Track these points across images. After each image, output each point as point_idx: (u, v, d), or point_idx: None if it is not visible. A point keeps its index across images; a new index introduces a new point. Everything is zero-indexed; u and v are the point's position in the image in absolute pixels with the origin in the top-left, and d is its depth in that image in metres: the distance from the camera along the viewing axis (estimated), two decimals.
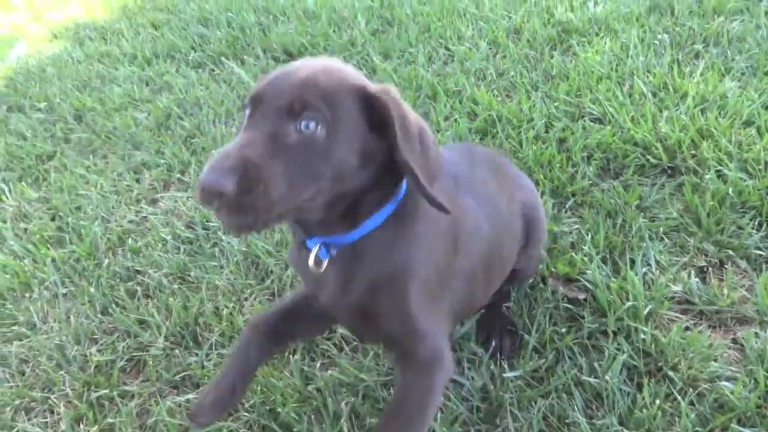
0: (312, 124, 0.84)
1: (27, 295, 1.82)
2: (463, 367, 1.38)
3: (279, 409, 1.31)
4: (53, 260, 1.90)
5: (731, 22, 2.51)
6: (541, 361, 1.35)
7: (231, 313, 1.57)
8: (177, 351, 1.53)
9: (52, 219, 2.13)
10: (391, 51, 2.74)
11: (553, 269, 1.57)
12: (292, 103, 0.84)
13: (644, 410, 1.20)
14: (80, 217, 2.07)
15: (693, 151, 1.85)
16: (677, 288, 1.48)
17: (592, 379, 1.28)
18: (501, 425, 1.26)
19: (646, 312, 1.40)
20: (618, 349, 1.35)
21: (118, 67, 3.10)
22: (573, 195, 1.81)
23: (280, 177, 0.81)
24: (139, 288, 1.75)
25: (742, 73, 2.19)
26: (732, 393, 1.22)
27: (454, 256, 1.09)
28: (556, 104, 2.16)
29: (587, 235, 1.64)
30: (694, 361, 1.30)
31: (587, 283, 1.51)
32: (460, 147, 1.51)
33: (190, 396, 1.41)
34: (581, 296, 1.50)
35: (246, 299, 1.65)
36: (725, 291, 1.46)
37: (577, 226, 1.70)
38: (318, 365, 1.43)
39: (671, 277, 1.50)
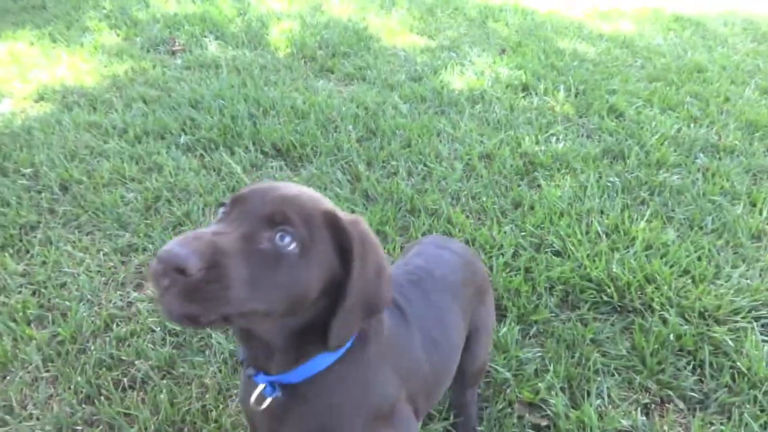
0: (287, 239, 0.85)
1: (4, 375, 1.83)
2: None
3: None
4: (34, 340, 1.93)
5: (672, 175, 2.89)
6: None
7: (220, 415, 1.66)
8: None
9: (33, 294, 2.16)
10: (374, 160, 2.98)
11: (518, 395, 1.75)
12: (273, 214, 0.86)
13: None
14: (64, 296, 2.11)
15: (640, 294, 2.11)
16: (626, 422, 1.68)
17: None
18: None
19: None
20: None
21: (108, 140, 3.20)
22: (536, 323, 2.02)
23: (243, 279, 0.80)
24: (124, 378, 1.80)
25: (681, 224, 2.53)
26: None
27: (400, 388, 1.11)
28: (523, 234, 2.42)
29: (550, 364, 1.84)
30: None
31: (549, 411, 1.69)
32: (430, 253, 1.49)
33: None
34: (544, 423, 1.67)
35: (232, 399, 1.74)
36: (665, 428, 1.67)
37: (540, 354, 1.90)
38: None
39: (621, 411, 1.71)
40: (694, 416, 1.71)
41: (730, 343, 1.91)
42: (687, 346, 1.91)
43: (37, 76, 4.11)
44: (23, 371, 1.83)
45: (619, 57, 4.62)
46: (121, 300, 2.13)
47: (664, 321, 2.01)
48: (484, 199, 2.66)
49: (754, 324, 2.00)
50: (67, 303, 2.06)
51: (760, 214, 2.59)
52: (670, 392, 1.78)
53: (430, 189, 2.73)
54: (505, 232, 2.44)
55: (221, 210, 0.91)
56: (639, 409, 1.73)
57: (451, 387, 1.48)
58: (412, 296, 1.26)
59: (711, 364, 1.86)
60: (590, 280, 2.17)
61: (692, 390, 1.79)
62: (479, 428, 1.65)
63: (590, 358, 1.86)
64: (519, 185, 2.79)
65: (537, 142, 3.18)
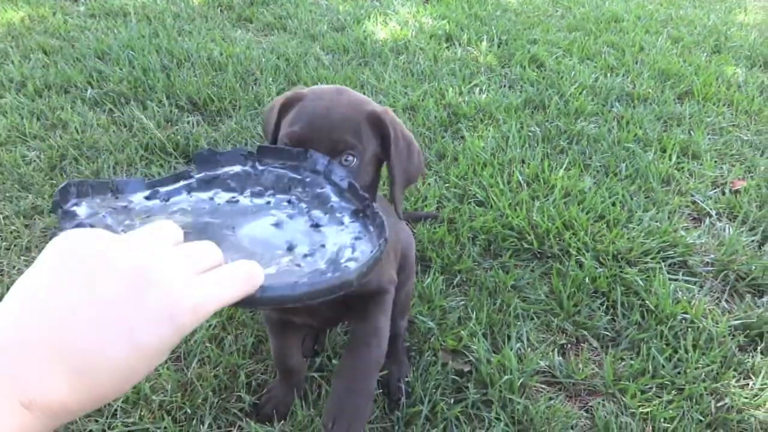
0: (350, 158, 1.13)
1: None
2: None
3: None
4: None
5: (590, 123, 2.97)
6: (433, 430, 1.54)
7: None
8: (77, 419, 1.52)
9: None
10: None
11: (443, 343, 1.78)
12: (336, 145, 1.11)
13: None
14: None
15: (558, 240, 2.18)
16: (544, 363, 1.75)
17: None
18: None
19: (519, 384, 1.65)
20: (497, 419, 1.57)
21: (4, 94, 2.94)
22: (459, 272, 2.05)
23: None
24: None
25: (597, 171, 2.61)
26: None
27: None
28: (447, 185, 2.43)
29: (472, 312, 1.88)
30: (555, 429, 1.56)
31: (472, 357, 1.73)
32: None
33: None
34: (467, 369, 1.72)
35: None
36: (580, 366, 1.75)
37: (463, 303, 1.93)
38: None
39: (539, 353, 1.78)
40: (606, 353, 1.80)
41: (641, 282, 2.01)
42: (601, 288, 2.00)
43: None
44: None
45: (541, 6, 4.65)
46: (26, 266, 2.00)
47: (581, 265, 2.09)
48: None
49: (662, 264, 2.11)
50: None
51: (670, 159, 2.71)
52: (585, 332, 1.87)
53: None
54: (429, 184, 2.44)
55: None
56: (556, 350, 1.81)
57: None
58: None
59: (623, 303, 1.96)
60: (512, 229, 2.22)
61: (605, 329, 1.88)
62: (407, 379, 1.68)
63: (511, 304, 1.92)
64: (443, 137, 2.79)
65: (460, 93, 3.18)
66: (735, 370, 1.75)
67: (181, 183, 0.86)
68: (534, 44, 3.86)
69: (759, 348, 1.83)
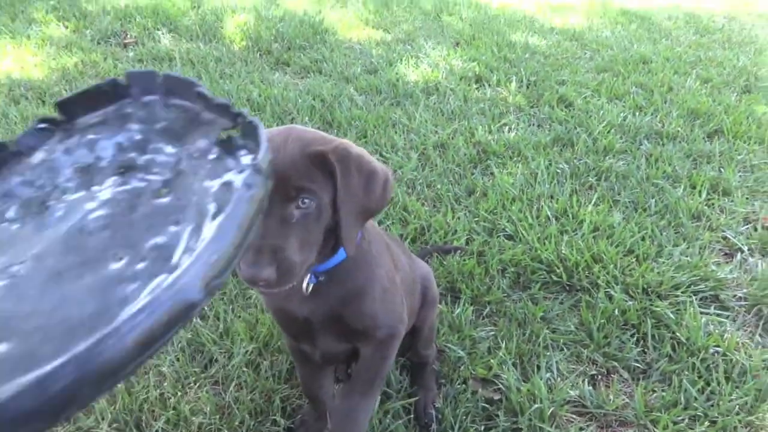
0: (307, 200, 1.09)
1: None
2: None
3: None
4: None
5: (618, 161, 3.01)
6: None
7: (178, 402, 1.66)
8: None
9: None
10: None
11: (473, 371, 1.81)
12: (288, 191, 1.07)
13: None
14: None
15: (587, 273, 2.20)
16: (574, 393, 1.76)
17: None
18: None
19: (549, 413, 1.67)
20: None
21: None
22: (489, 303, 2.09)
23: (297, 248, 1.08)
24: None
25: (626, 207, 2.64)
26: None
27: (395, 270, 1.43)
28: (476, 219, 2.49)
29: (502, 342, 1.91)
30: None
31: (502, 386, 1.76)
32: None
33: None
34: (496, 397, 1.74)
35: (190, 387, 1.75)
36: (611, 397, 1.76)
37: (492, 333, 1.96)
38: None
39: (569, 383, 1.79)
40: (637, 385, 1.80)
41: (671, 315, 2.01)
42: (631, 320, 2.01)
43: None
44: None
45: (569, 49, 4.76)
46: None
47: (610, 297, 2.10)
48: (439, 186, 2.72)
49: (693, 298, 2.11)
50: None
51: (700, 195, 2.72)
52: (616, 363, 1.88)
53: None
54: (459, 218, 2.50)
55: None
56: (586, 380, 1.82)
57: (409, 357, 1.78)
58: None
59: (653, 336, 1.96)
60: (540, 262, 2.25)
61: (636, 360, 1.89)
62: (437, 404, 1.71)
63: (540, 334, 1.94)
64: (472, 173, 2.86)
65: (490, 132, 3.26)
66: None
67: None
68: (562, 85, 3.94)
69: None
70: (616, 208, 2.62)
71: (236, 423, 1.64)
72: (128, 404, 1.66)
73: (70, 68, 4.04)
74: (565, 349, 1.93)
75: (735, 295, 2.16)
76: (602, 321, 1.99)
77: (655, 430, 1.66)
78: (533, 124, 3.43)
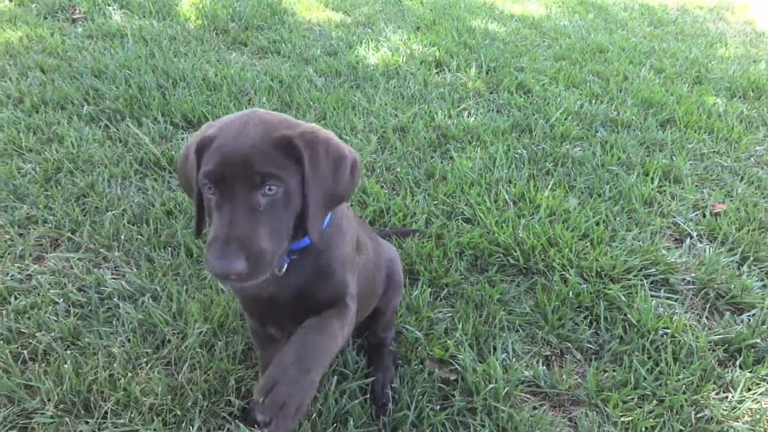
0: (273, 188, 1.06)
1: None
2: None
3: None
4: None
5: (575, 147, 3.05)
6: None
7: (128, 383, 1.61)
8: (67, 419, 1.53)
9: None
10: None
11: (429, 352, 1.81)
12: (252, 178, 1.04)
13: None
14: None
15: (543, 256, 2.23)
16: (528, 373, 1.78)
17: None
18: None
19: (504, 393, 1.68)
20: (482, 425, 1.60)
21: (1, 109, 2.98)
22: (447, 285, 2.09)
23: (267, 237, 1.05)
24: (25, 351, 1.71)
25: (582, 192, 2.68)
26: None
27: (358, 253, 1.43)
28: (435, 203, 2.48)
29: (459, 323, 1.91)
30: None
31: (458, 366, 1.76)
32: None
33: None
34: (453, 377, 1.74)
35: (141, 367, 1.70)
36: (564, 377, 1.78)
37: (450, 314, 1.97)
38: None
39: (524, 363, 1.81)
40: (589, 365, 1.84)
41: (623, 298, 2.05)
42: (585, 303, 2.05)
43: None
44: None
45: (528, 37, 4.79)
46: (19, 273, 2.01)
47: (565, 280, 2.13)
48: (398, 169, 2.71)
49: (644, 281, 2.16)
50: None
51: (652, 182, 2.78)
52: (569, 344, 1.91)
53: None
54: (417, 201, 2.49)
55: (212, 191, 1.07)
56: (540, 360, 1.85)
57: (367, 338, 1.79)
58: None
59: (606, 318, 2.00)
60: (498, 245, 2.27)
61: (589, 342, 1.92)
62: (394, 385, 1.70)
63: (496, 316, 1.95)
64: (432, 157, 2.86)
65: (449, 116, 3.26)
66: (714, 383, 1.79)
67: None
68: (521, 72, 3.97)
69: (738, 363, 1.88)
70: (572, 193, 2.66)
71: (189, 404, 1.60)
72: (75, 385, 1.60)
73: (14, 43, 3.84)
74: (520, 330, 1.95)
75: (684, 279, 2.22)
76: (557, 303, 2.02)
77: (606, 409, 1.69)
78: (492, 110, 3.44)
